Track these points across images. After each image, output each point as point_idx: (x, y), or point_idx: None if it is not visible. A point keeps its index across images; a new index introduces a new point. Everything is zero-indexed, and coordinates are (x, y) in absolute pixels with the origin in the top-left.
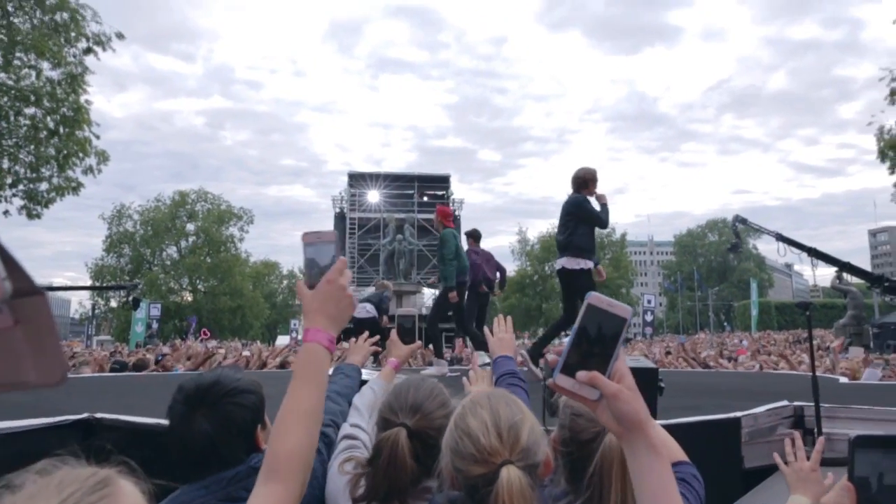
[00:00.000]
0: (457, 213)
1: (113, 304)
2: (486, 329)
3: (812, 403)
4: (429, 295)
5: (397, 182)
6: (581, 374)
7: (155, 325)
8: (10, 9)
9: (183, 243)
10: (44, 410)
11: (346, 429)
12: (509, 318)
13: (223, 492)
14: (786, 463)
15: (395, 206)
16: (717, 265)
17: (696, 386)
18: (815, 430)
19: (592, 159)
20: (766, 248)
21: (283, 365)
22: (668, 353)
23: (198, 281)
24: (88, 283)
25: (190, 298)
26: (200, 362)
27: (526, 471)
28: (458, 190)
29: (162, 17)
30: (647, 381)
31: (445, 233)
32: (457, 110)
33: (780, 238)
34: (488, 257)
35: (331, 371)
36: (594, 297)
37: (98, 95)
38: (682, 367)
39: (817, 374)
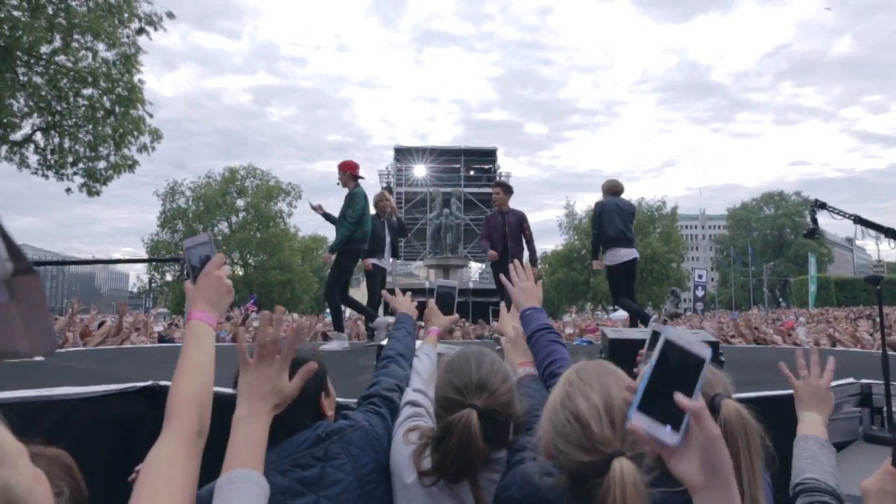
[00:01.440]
0: None
1: (168, 277)
2: (502, 277)
3: (881, 381)
4: (475, 269)
5: (444, 156)
6: (682, 400)
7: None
8: None
9: (233, 219)
10: (110, 377)
11: (409, 394)
12: (527, 264)
13: (291, 458)
14: (797, 378)
15: (441, 180)
16: (772, 239)
17: (753, 362)
18: (885, 409)
19: (642, 131)
20: (826, 221)
21: (324, 335)
22: (720, 328)
23: (248, 255)
24: (145, 257)
25: (241, 273)
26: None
27: (636, 462)
28: (504, 164)
29: None
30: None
31: (358, 192)
32: (502, 83)
33: (859, 220)
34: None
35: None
36: (672, 333)
37: (149, 75)
38: (738, 342)
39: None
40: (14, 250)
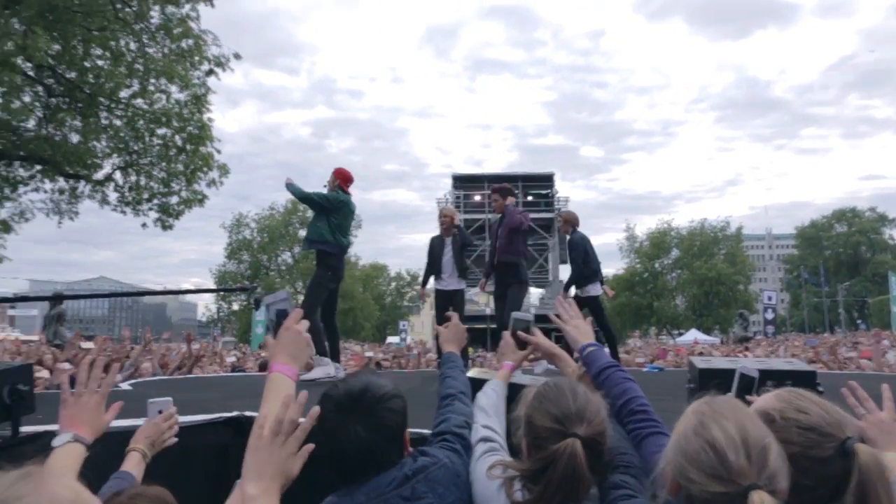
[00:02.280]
0: (562, 211)
1: (235, 307)
2: (551, 316)
3: None
4: (535, 295)
5: (501, 182)
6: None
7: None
8: (145, 40)
9: (296, 249)
10: (195, 407)
11: (479, 430)
12: (569, 299)
13: (381, 499)
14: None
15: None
16: (846, 258)
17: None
18: None
19: (701, 150)
20: None
21: (378, 364)
22: (793, 355)
23: None
24: (213, 287)
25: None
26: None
27: (775, 497)
28: (561, 188)
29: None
30: (805, 385)
31: (339, 193)
32: (556, 107)
33: None
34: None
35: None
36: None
37: (216, 112)
38: (819, 368)
39: None
40: None
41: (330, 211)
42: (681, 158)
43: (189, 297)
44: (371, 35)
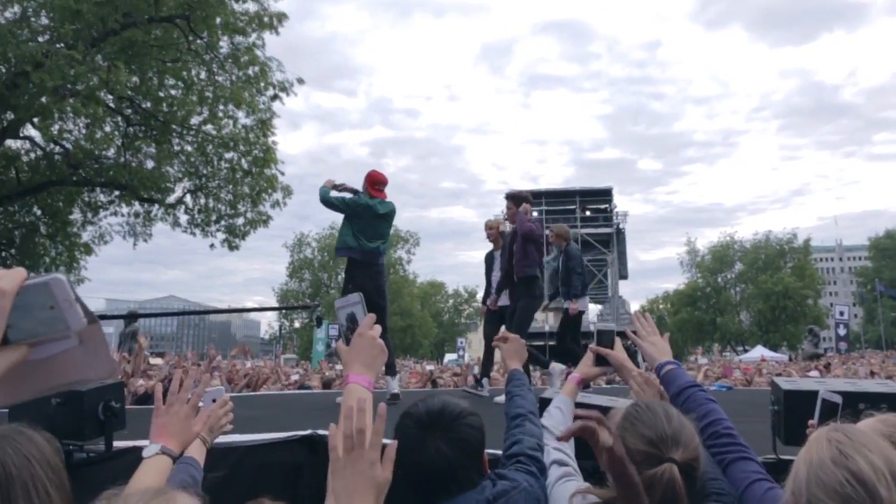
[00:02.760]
0: (621, 226)
1: (297, 324)
2: (628, 332)
3: None
4: (594, 310)
5: (558, 198)
6: None
7: (333, 345)
8: (214, 69)
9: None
10: (266, 425)
11: (551, 453)
12: (646, 314)
13: None
14: None
15: (556, 221)
16: None
17: None
18: None
19: (764, 160)
20: None
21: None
22: (872, 372)
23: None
24: (276, 305)
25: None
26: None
27: None
28: (618, 202)
29: (326, 58)
30: None
31: (371, 201)
32: (612, 120)
33: None
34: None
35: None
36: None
37: (278, 135)
38: None
39: None
40: (85, 308)
41: (351, 216)
42: (743, 169)
43: (253, 314)
44: (426, 55)
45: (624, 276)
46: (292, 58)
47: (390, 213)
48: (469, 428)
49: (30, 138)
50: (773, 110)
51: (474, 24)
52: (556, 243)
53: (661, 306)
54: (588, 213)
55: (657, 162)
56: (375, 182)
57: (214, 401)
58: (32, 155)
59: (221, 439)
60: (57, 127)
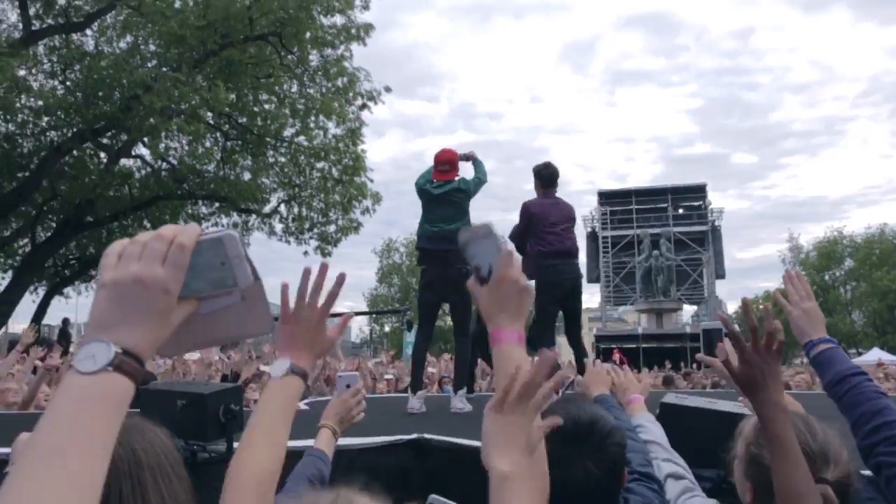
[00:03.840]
0: (717, 223)
1: (387, 328)
2: (776, 296)
3: None
4: (688, 312)
5: (649, 196)
6: None
7: None
8: (305, 82)
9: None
10: (380, 429)
11: (662, 466)
12: (800, 273)
13: None
14: None
15: (648, 221)
16: None
17: None
18: None
19: (874, 148)
20: None
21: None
22: None
23: None
24: (367, 310)
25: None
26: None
27: None
28: (712, 199)
29: (409, 66)
30: None
31: (420, 182)
32: (703, 114)
33: None
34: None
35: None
36: None
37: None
38: None
39: None
40: (252, 266)
41: (421, 202)
42: (850, 159)
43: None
44: (507, 57)
45: (721, 275)
46: (376, 67)
47: (450, 193)
48: (617, 447)
49: (140, 157)
50: (883, 93)
51: (555, 24)
52: None
53: (761, 306)
54: (681, 210)
55: (752, 155)
56: (436, 162)
57: (348, 386)
58: (142, 172)
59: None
60: (163, 145)
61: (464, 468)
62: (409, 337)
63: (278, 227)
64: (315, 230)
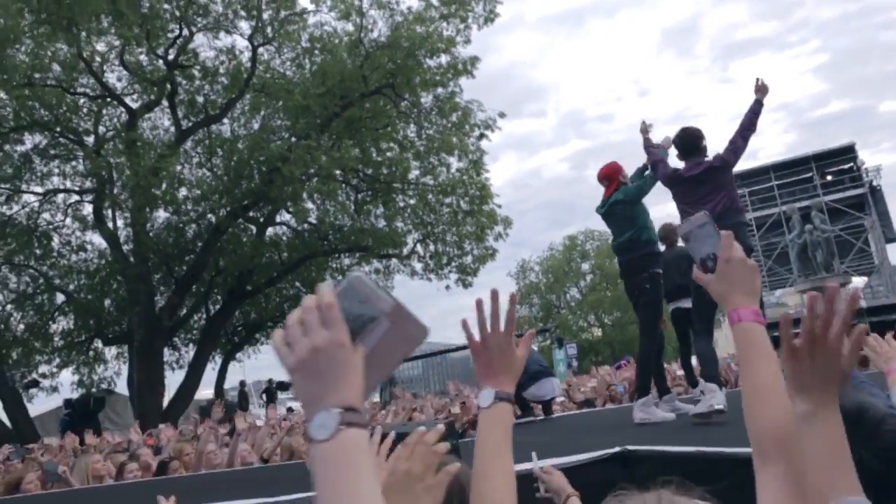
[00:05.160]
0: (875, 183)
1: (535, 347)
2: None
3: None
4: (858, 283)
5: (789, 169)
6: None
7: (575, 363)
8: (423, 123)
9: (582, 283)
10: (582, 446)
11: None
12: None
13: None
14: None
15: (793, 195)
16: None
17: None
18: None
19: None
20: None
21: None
22: None
23: (603, 315)
24: None
25: (599, 333)
26: None
27: None
28: (864, 157)
29: (511, 85)
30: None
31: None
32: (832, 69)
33: None
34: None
35: None
36: None
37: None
38: None
39: None
40: (385, 291)
41: None
42: None
43: None
44: (607, 56)
45: (892, 238)
46: (479, 94)
47: (611, 206)
48: (893, 434)
49: (284, 223)
50: None
51: (650, 13)
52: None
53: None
54: (829, 177)
55: None
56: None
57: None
58: (287, 237)
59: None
60: (309, 206)
61: (668, 473)
62: (559, 354)
63: (417, 266)
64: (453, 264)
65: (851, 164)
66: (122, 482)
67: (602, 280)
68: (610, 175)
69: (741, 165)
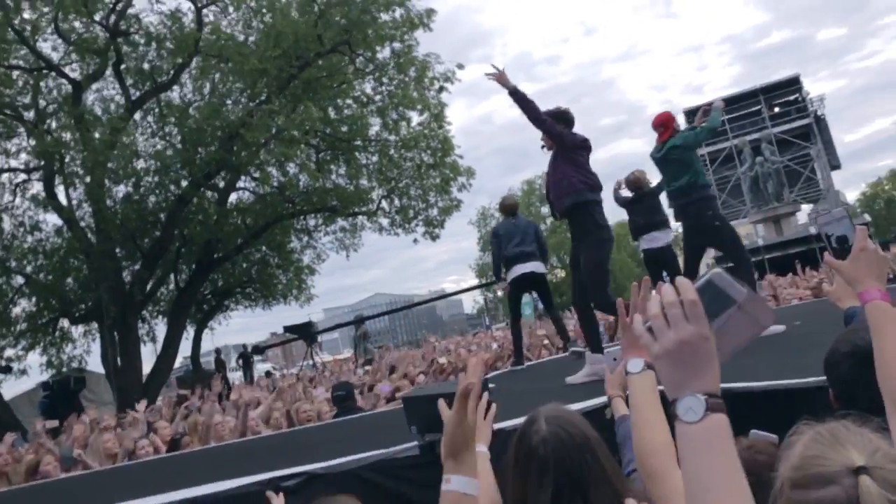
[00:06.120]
0: (819, 112)
1: (500, 293)
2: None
3: None
4: (806, 210)
5: (738, 103)
6: None
7: (540, 306)
8: (382, 79)
9: (543, 226)
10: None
11: None
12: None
13: None
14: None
15: (742, 128)
16: None
17: None
18: None
19: None
20: None
21: None
22: None
23: (565, 256)
24: (475, 281)
25: (562, 275)
26: None
27: None
28: (809, 87)
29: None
30: None
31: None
32: None
33: None
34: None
35: None
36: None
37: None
38: None
39: None
40: (740, 283)
41: None
42: None
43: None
44: None
45: (836, 165)
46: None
47: (668, 153)
48: None
49: (245, 188)
50: None
51: None
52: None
53: (886, 187)
54: (777, 109)
55: (841, 27)
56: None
57: (615, 359)
58: (250, 202)
59: None
60: (272, 171)
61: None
62: (525, 297)
63: (384, 221)
64: (419, 217)
65: (797, 94)
66: (142, 459)
67: (562, 222)
68: (665, 122)
69: (688, 101)
